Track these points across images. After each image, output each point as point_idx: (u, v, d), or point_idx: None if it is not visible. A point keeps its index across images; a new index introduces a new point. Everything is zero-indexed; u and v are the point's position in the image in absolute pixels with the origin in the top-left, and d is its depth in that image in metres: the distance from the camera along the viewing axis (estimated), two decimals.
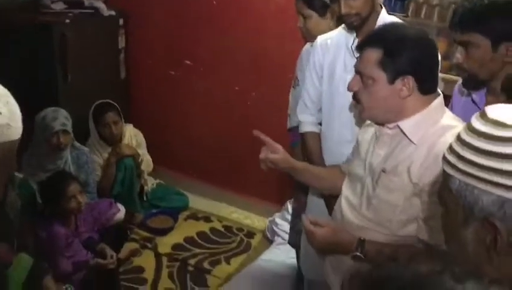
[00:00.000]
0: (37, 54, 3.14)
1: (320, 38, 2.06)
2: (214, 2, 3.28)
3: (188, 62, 3.53)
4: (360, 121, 1.82)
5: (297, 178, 1.84)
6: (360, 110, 1.49)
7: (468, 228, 0.79)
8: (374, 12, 1.88)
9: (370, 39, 1.44)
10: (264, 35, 3.15)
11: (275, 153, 1.71)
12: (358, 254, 1.40)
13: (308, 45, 2.34)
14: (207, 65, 3.46)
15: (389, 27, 1.55)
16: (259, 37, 3.17)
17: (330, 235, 1.47)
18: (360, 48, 1.46)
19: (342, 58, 1.97)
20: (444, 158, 0.83)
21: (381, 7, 1.93)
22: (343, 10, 1.84)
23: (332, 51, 2.01)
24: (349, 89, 1.48)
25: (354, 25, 1.88)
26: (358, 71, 1.45)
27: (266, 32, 3.14)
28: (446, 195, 0.83)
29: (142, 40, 3.64)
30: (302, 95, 2.20)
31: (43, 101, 3.02)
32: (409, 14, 2.66)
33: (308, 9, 2.19)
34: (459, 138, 0.81)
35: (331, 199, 1.89)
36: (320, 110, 2.12)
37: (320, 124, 2.16)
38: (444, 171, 0.83)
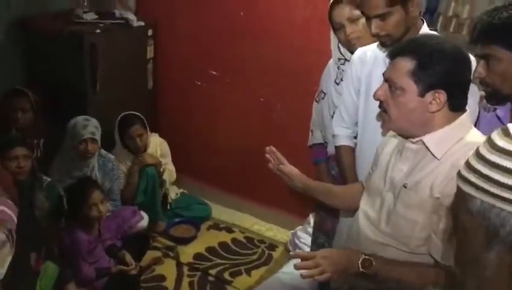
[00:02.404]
0: (67, 63, 3.21)
1: (359, 51, 2.00)
2: (241, 14, 3.31)
3: (213, 72, 3.56)
4: (384, 132, 1.76)
5: (312, 196, 1.82)
6: (386, 120, 1.44)
7: (490, 251, 0.74)
8: (413, 29, 1.79)
9: (403, 48, 1.39)
10: (290, 48, 3.16)
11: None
12: (362, 270, 1.35)
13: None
14: (233, 76, 3.49)
15: (424, 38, 1.50)
16: (285, 49, 3.17)
17: (333, 255, 1.39)
18: (392, 55, 1.41)
19: (379, 72, 1.90)
20: (461, 176, 0.78)
21: (423, 22, 1.85)
22: (373, 30, 1.78)
23: (370, 63, 1.95)
24: (375, 97, 1.43)
25: (387, 44, 1.82)
26: (387, 79, 1.40)
27: (292, 44, 3.14)
28: (463, 216, 0.78)
29: (169, 51, 3.69)
30: (338, 107, 2.13)
31: (73, 108, 3.09)
32: (438, 28, 2.63)
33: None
34: (478, 155, 0.76)
35: None
36: (356, 124, 2.07)
37: (355, 137, 2.11)
38: (459, 189, 0.78)
